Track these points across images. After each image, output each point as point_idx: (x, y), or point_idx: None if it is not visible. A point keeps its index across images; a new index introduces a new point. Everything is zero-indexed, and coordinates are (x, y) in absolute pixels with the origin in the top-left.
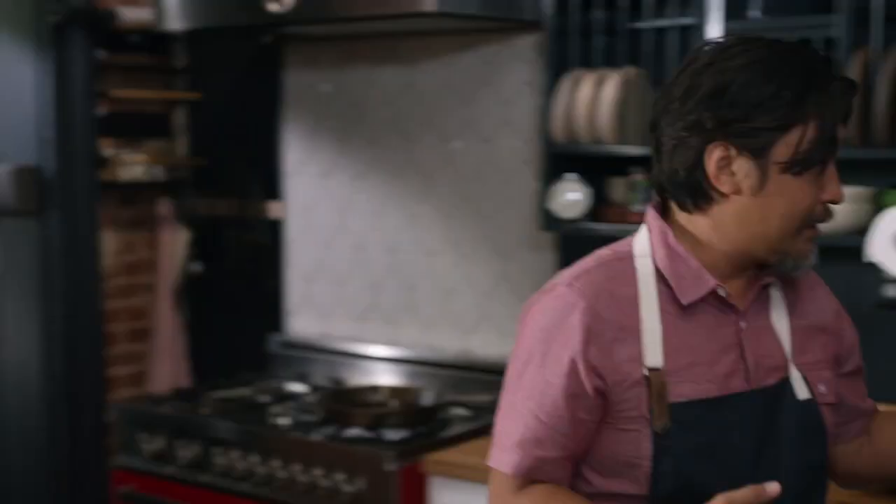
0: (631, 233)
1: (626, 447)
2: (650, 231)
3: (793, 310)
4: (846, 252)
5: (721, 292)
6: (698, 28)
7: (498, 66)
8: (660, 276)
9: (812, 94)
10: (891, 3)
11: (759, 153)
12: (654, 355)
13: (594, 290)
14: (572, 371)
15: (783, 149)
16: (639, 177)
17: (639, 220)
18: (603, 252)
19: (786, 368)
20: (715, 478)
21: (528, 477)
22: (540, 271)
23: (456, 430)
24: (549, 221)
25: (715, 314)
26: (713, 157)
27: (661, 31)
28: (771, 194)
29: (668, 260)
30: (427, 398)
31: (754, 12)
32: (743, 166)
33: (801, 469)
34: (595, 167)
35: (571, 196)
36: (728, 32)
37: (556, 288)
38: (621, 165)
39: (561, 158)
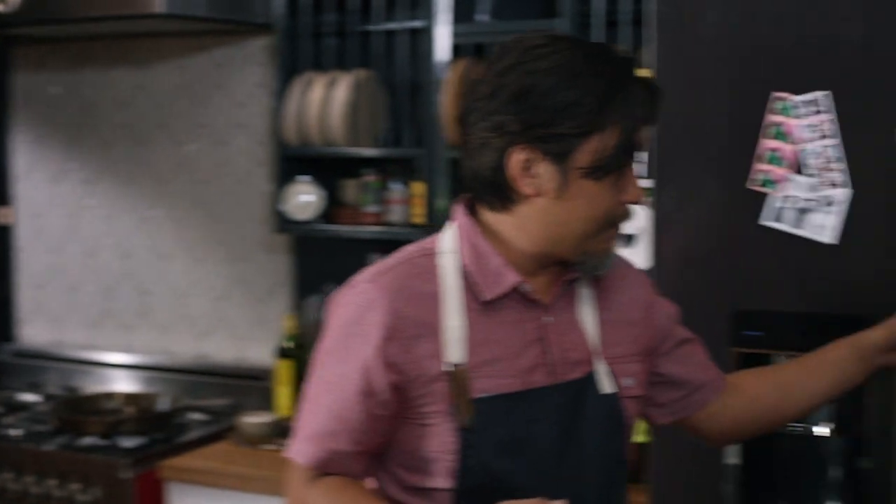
0: (364, 234)
1: (429, 442)
2: (457, 227)
3: (602, 303)
4: None
5: (524, 288)
6: (427, 31)
7: (230, 68)
8: (464, 272)
9: (614, 102)
10: (611, 9)
11: (560, 158)
12: (455, 351)
13: (396, 286)
14: (369, 368)
15: (584, 155)
16: (371, 178)
17: (372, 220)
18: (410, 248)
19: (592, 363)
20: (520, 471)
21: (322, 469)
22: (275, 273)
23: (193, 435)
24: (283, 223)
25: (519, 310)
26: (515, 159)
27: (390, 34)
28: (572, 198)
29: (473, 257)
30: (163, 404)
31: (481, 16)
32: (545, 170)
33: (604, 462)
34: (327, 169)
35: (304, 198)
36: (456, 35)
37: (359, 284)
38: (353, 167)
39: (294, 160)
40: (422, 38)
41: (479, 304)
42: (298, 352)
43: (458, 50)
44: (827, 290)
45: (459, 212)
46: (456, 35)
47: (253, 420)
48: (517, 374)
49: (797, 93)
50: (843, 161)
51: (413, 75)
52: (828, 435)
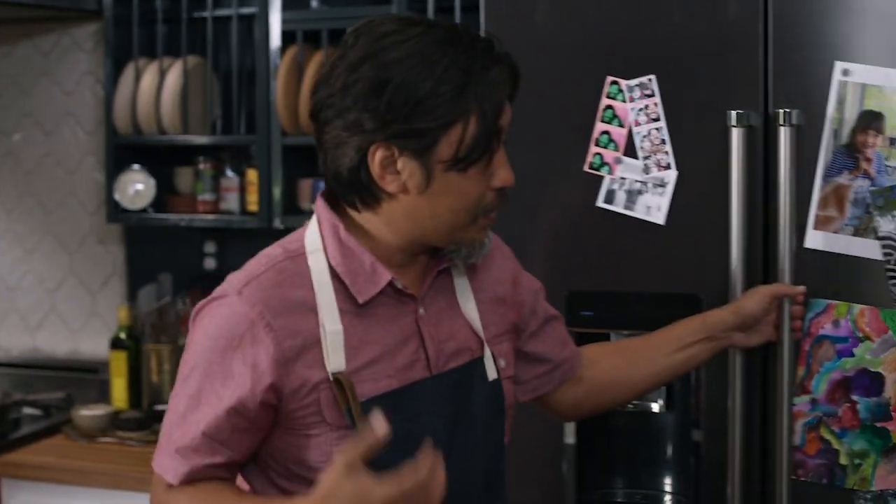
0: (199, 222)
1: (311, 452)
2: (320, 223)
3: (475, 285)
4: None
5: (398, 284)
6: (259, 17)
7: (58, 56)
8: (334, 274)
9: (471, 88)
10: None
11: (421, 153)
12: (336, 359)
13: (265, 296)
14: (239, 385)
15: (446, 147)
16: (205, 166)
17: (207, 208)
18: (273, 252)
19: (474, 350)
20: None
21: (187, 480)
22: (108, 264)
23: (26, 430)
24: (116, 213)
25: (393, 305)
26: (376, 157)
27: (222, 20)
28: (438, 192)
29: (342, 256)
30: None
31: (314, 2)
32: (407, 166)
33: (491, 448)
34: (161, 157)
35: (137, 187)
36: (287, 22)
37: (226, 296)
38: (187, 155)
39: (126, 149)
40: (253, 24)
41: (353, 306)
42: (132, 343)
43: (290, 36)
44: (657, 270)
45: (321, 207)
46: (287, 21)
47: (88, 413)
48: (395, 374)
49: (628, 77)
50: (670, 143)
51: (245, 62)
52: (661, 410)
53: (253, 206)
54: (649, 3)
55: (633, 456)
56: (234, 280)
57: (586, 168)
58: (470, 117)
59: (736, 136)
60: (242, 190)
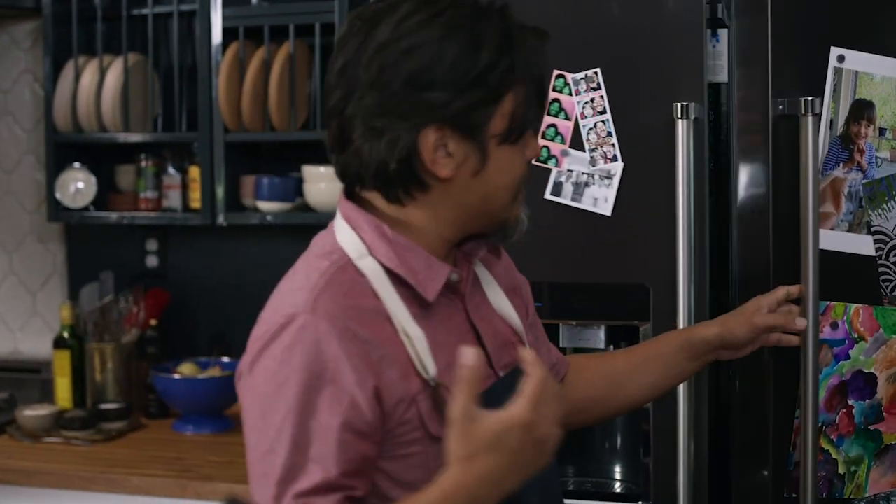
0: (142, 220)
1: (413, 472)
2: (356, 227)
3: (494, 276)
4: None
5: (454, 277)
6: (199, 14)
7: None
8: (392, 276)
9: (517, 54)
10: None
11: (474, 131)
12: (430, 364)
13: (340, 310)
14: (352, 406)
15: (499, 120)
16: (146, 163)
17: (149, 206)
18: (317, 264)
19: (514, 342)
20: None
21: None
22: (48, 263)
23: None
24: (57, 211)
25: (446, 303)
26: (428, 142)
27: (162, 17)
28: (491, 170)
29: (396, 257)
30: None
31: None
32: (460, 147)
33: None
34: (102, 155)
35: (78, 185)
36: (228, 18)
37: (296, 318)
38: (128, 152)
39: (66, 147)
40: (194, 21)
41: (418, 308)
42: (76, 342)
43: (231, 33)
44: (605, 260)
45: (350, 208)
46: (228, 18)
47: (33, 413)
48: None
49: (574, 71)
50: (616, 136)
51: (186, 59)
52: None
53: (196, 203)
54: None
55: (583, 445)
56: (295, 301)
57: (533, 161)
58: (519, 84)
59: (681, 127)
60: (185, 187)
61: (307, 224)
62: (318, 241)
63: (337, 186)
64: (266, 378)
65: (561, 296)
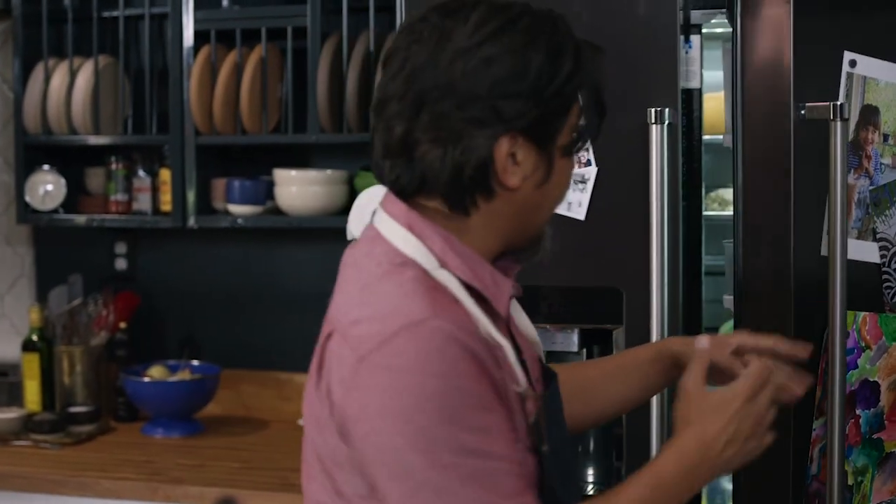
0: (111, 222)
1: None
2: (422, 238)
3: None
4: (324, 232)
5: (514, 293)
6: (170, 17)
7: None
8: (468, 290)
9: (583, 65)
10: None
11: (546, 141)
12: (520, 374)
13: (456, 315)
14: (501, 402)
15: (566, 132)
16: (116, 166)
17: (119, 209)
18: (400, 273)
19: (538, 359)
20: (559, 481)
21: None
22: (16, 265)
23: None
24: (26, 214)
25: (494, 318)
26: (501, 151)
27: (133, 19)
28: (552, 182)
29: (469, 270)
30: None
31: (225, 2)
32: (529, 156)
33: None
34: (72, 157)
35: (47, 187)
36: (199, 21)
37: (424, 324)
38: (98, 155)
39: (35, 149)
40: (165, 24)
41: (492, 322)
42: (44, 345)
43: (203, 36)
44: (578, 264)
45: (412, 216)
46: (200, 21)
47: (1, 416)
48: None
49: None
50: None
51: (157, 61)
52: None
53: (166, 206)
54: (567, 1)
55: None
56: (413, 308)
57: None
58: (584, 96)
59: (655, 132)
60: (155, 190)
61: (278, 227)
62: (375, 249)
63: (308, 191)
64: (398, 394)
65: (534, 299)
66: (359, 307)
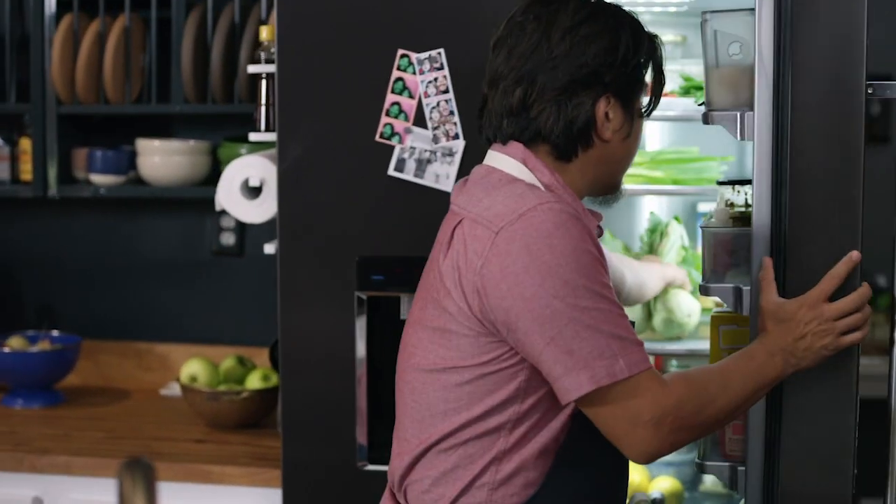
0: None
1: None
2: (535, 170)
3: None
4: (186, 203)
5: (597, 231)
6: None
7: None
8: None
9: (653, 45)
10: None
11: (631, 102)
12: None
13: (572, 206)
14: (603, 269)
15: (644, 96)
16: None
17: None
18: (521, 184)
19: None
20: None
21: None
22: None
23: None
24: None
25: None
26: (601, 109)
27: None
28: (632, 138)
29: (569, 196)
30: None
31: None
32: (618, 115)
33: None
34: None
35: None
36: None
37: (551, 204)
38: None
39: None
40: None
41: None
42: None
43: (64, 5)
44: None
45: (527, 154)
46: None
47: None
48: None
49: (419, 51)
50: (458, 114)
51: (16, 29)
52: None
53: (26, 175)
54: None
55: None
56: (538, 196)
57: (377, 138)
58: (654, 70)
59: None
60: (14, 159)
61: (140, 197)
62: (492, 175)
63: (171, 161)
64: (533, 255)
65: (403, 269)
66: (488, 200)
